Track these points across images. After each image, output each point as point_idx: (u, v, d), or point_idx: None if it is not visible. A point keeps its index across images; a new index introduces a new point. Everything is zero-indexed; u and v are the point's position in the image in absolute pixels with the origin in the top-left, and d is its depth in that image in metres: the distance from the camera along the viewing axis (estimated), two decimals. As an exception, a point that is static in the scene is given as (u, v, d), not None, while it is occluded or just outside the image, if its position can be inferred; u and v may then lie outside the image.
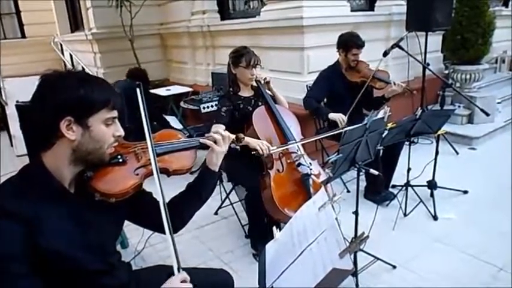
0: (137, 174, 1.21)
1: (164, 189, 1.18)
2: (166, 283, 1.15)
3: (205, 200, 1.44)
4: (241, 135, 1.50)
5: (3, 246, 0.95)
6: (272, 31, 4.09)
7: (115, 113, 1.14)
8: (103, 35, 6.11)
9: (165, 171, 1.28)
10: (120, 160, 1.18)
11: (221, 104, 2.61)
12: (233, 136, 1.45)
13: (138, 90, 1.21)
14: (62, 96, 1.05)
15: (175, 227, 1.26)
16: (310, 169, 2.29)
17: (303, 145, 2.48)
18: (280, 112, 2.54)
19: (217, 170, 1.41)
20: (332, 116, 3.05)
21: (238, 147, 1.51)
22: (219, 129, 1.40)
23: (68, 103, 1.04)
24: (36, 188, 1.05)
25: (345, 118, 3.00)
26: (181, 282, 1.15)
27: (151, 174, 1.20)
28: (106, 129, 1.12)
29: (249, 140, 2.27)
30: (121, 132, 1.17)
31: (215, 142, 1.37)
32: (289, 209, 2.17)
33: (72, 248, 1.05)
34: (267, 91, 2.65)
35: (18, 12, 9.78)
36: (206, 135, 1.40)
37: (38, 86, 1.09)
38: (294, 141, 2.40)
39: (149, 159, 1.20)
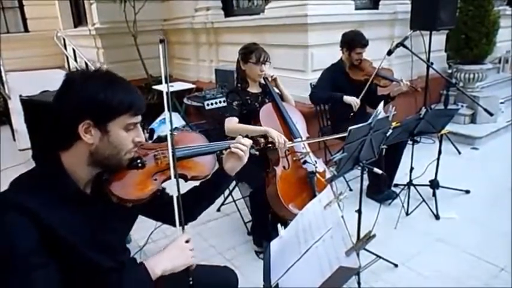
0: (155, 180, 1.18)
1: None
2: (171, 243, 1.18)
3: (215, 201, 1.47)
4: (262, 139, 1.53)
5: (20, 241, 0.94)
6: (276, 28, 4.09)
7: (138, 119, 1.11)
8: (106, 30, 6.11)
9: (183, 177, 1.26)
10: (140, 164, 1.15)
11: (231, 98, 2.60)
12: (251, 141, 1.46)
13: (160, 46, 1.15)
14: (83, 99, 1.02)
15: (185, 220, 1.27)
16: (316, 167, 2.30)
17: (307, 143, 2.49)
18: (287, 109, 2.54)
19: (233, 175, 1.44)
20: (346, 99, 3.07)
21: (256, 152, 1.52)
22: (240, 140, 1.41)
23: (88, 106, 1.02)
24: (52, 186, 1.03)
25: (358, 101, 3.05)
26: (185, 242, 1.19)
27: (169, 179, 1.18)
28: (126, 134, 1.08)
29: (269, 130, 2.33)
30: (142, 138, 1.14)
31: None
32: (294, 206, 2.19)
33: (85, 247, 1.05)
34: (275, 88, 2.65)
35: (21, 7, 9.80)
36: (233, 145, 1.40)
37: (61, 84, 1.07)
38: (300, 139, 2.42)
39: (168, 164, 1.18)
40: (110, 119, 1.05)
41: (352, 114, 3.04)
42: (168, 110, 1.21)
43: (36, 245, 0.96)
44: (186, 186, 1.33)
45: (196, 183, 1.41)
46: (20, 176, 1.07)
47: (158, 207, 1.31)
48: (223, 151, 1.43)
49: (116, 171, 1.12)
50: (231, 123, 2.51)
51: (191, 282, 1.16)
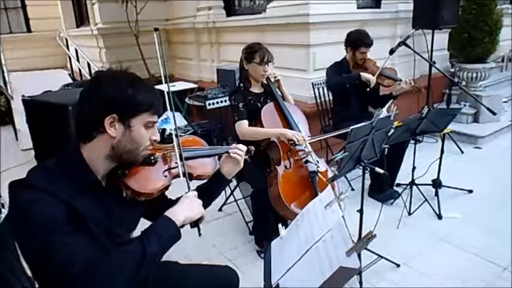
0: (166, 176, 1.29)
1: (171, 189, 1.25)
2: (182, 198, 1.23)
3: (211, 202, 1.52)
4: (252, 147, 1.61)
5: (48, 217, 0.98)
6: (278, 28, 4.08)
7: (156, 118, 1.20)
8: (108, 30, 6.12)
9: (189, 175, 1.34)
10: (153, 161, 1.24)
11: (236, 100, 2.56)
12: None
13: (155, 34, 1.26)
14: (111, 95, 1.10)
15: None
16: (318, 167, 2.29)
17: (309, 143, 2.48)
18: (289, 109, 2.54)
19: (230, 178, 1.52)
20: (363, 75, 3.11)
21: (249, 159, 1.61)
22: (238, 146, 1.50)
23: (115, 102, 1.09)
24: (72, 176, 1.08)
25: (374, 79, 3.10)
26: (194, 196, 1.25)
27: (177, 176, 1.28)
28: (145, 131, 1.16)
29: (284, 131, 2.37)
30: (157, 137, 1.22)
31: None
32: (296, 206, 2.19)
33: (101, 236, 1.09)
34: (277, 89, 2.64)
35: (24, 7, 9.82)
36: (231, 150, 1.49)
37: (91, 80, 1.18)
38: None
39: (177, 162, 1.29)
40: (134, 114, 1.13)
41: (368, 89, 3.11)
42: (171, 108, 1.32)
43: (64, 218, 1.00)
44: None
45: (199, 182, 1.47)
46: (39, 165, 1.13)
47: (160, 210, 1.33)
48: (221, 155, 1.52)
49: (131, 166, 1.20)
50: (243, 127, 2.50)
51: (200, 232, 1.21)
